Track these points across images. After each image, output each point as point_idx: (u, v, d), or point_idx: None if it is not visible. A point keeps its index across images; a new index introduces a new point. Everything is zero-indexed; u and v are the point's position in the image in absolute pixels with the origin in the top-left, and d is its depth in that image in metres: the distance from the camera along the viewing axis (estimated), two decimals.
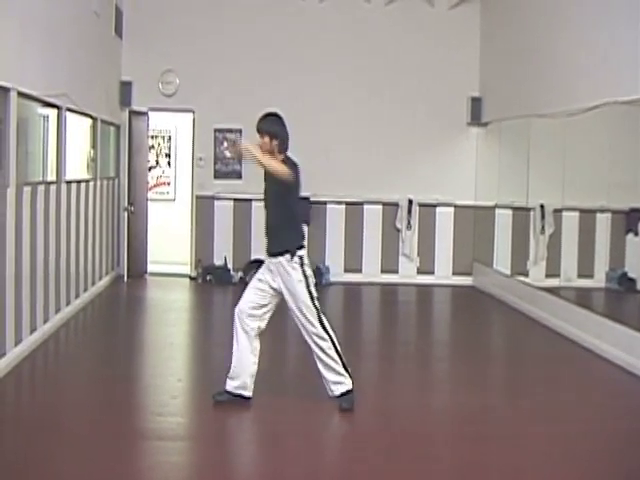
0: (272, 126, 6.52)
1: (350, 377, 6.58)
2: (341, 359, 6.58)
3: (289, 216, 6.62)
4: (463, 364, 8.36)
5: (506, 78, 12.05)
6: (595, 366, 8.32)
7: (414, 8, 13.18)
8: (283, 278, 6.50)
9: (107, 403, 6.65)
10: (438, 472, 5.45)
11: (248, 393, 6.56)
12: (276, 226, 6.59)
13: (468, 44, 13.25)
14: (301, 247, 6.57)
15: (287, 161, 6.53)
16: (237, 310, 6.54)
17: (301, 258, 6.52)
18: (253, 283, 6.63)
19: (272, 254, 6.58)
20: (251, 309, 6.52)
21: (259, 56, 13.05)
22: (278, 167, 6.35)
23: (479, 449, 5.82)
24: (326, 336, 6.51)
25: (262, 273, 6.64)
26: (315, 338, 6.51)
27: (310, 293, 6.51)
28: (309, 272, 6.56)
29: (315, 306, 6.52)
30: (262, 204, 6.71)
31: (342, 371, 6.55)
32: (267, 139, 6.49)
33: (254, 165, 6.41)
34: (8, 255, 7.30)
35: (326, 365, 6.53)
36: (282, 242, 6.57)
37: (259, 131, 6.53)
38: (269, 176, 6.49)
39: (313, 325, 6.50)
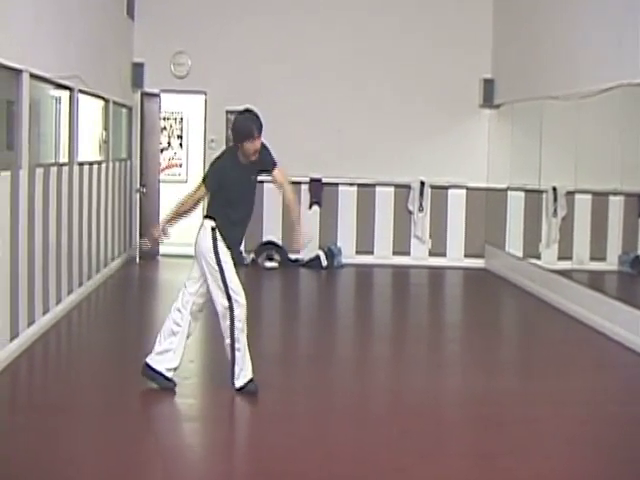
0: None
1: None
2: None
3: None
4: (474, 347, 8.37)
5: (519, 60, 11.98)
6: (607, 349, 8.30)
7: None
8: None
9: (118, 385, 6.67)
10: (449, 456, 5.47)
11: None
12: (249, 216, 6.67)
13: (481, 25, 13.16)
14: None
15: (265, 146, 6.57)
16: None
17: None
18: (230, 266, 6.50)
19: (240, 243, 6.77)
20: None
21: (270, 36, 13.01)
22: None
23: (490, 433, 5.83)
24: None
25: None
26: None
27: None
28: None
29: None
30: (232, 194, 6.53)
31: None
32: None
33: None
34: (21, 237, 7.32)
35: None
36: None
37: (259, 132, 6.44)
38: (252, 168, 6.46)
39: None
